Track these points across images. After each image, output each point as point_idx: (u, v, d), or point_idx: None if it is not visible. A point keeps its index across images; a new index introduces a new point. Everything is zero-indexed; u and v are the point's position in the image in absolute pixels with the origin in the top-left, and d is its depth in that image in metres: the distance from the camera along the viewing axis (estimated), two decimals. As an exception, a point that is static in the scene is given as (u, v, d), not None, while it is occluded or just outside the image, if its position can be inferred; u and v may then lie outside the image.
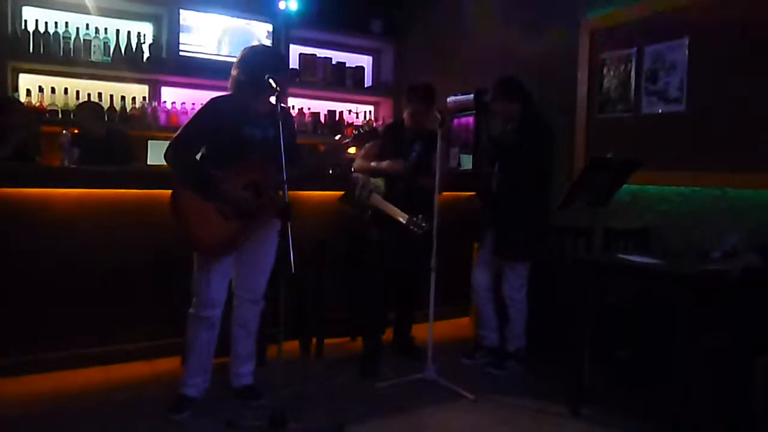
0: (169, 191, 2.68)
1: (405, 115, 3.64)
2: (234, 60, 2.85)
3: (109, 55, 4.84)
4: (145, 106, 5.04)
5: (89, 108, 4.42)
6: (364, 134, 3.01)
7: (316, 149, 5.76)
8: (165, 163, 2.71)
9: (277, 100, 2.69)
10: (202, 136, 2.73)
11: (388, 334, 3.80)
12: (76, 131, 4.16)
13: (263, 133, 2.76)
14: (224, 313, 2.84)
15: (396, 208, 3.38)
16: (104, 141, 4.15)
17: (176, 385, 2.82)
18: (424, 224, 3.23)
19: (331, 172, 4.09)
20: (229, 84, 2.83)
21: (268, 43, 5.32)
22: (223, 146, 2.71)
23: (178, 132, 2.72)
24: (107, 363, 3.36)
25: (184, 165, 2.69)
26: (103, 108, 4.70)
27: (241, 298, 2.90)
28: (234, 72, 2.79)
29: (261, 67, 2.72)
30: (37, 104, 4.64)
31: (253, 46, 2.90)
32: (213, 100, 2.79)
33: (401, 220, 3.31)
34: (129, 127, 4.88)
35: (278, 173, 2.51)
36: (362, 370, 3.41)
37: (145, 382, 3.21)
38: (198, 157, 2.77)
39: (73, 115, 4.56)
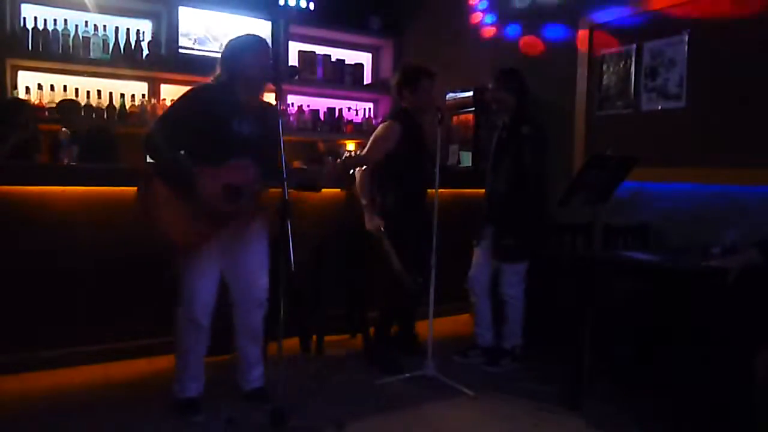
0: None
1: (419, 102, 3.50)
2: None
3: (108, 53, 4.84)
4: (145, 103, 5.03)
5: (70, 106, 4.41)
6: (353, 159, 2.95)
7: (316, 147, 5.78)
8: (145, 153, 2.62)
9: (262, 96, 2.58)
10: (182, 126, 2.56)
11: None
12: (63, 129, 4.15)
13: (251, 130, 2.64)
14: (218, 312, 2.77)
15: (395, 256, 3.36)
16: (85, 138, 4.12)
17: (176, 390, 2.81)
18: (419, 280, 3.30)
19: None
20: (212, 77, 2.72)
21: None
22: (207, 141, 2.56)
23: (155, 120, 2.63)
24: (107, 360, 3.37)
25: (160, 154, 2.56)
26: (81, 106, 4.69)
27: (243, 305, 2.81)
28: (218, 65, 2.70)
29: (242, 59, 2.62)
30: (36, 102, 4.63)
31: (236, 39, 2.72)
32: (194, 88, 2.64)
33: (395, 267, 3.34)
34: (127, 125, 4.88)
35: (268, 173, 2.46)
36: (392, 369, 3.34)
37: (146, 380, 3.21)
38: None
39: (57, 112, 4.54)
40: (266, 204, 2.60)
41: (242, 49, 2.67)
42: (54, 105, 4.66)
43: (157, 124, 2.61)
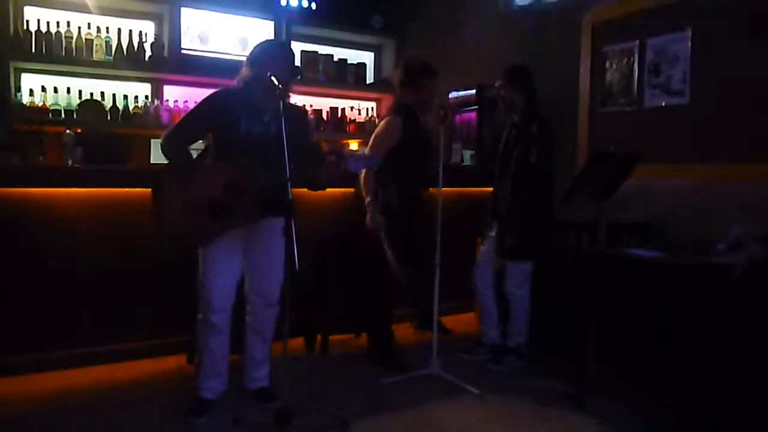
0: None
1: (423, 100, 3.48)
2: (237, 57, 2.82)
3: (111, 54, 4.84)
4: (148, 104, 5.03)
5: (94, 107, 4.41)
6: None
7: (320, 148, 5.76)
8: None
9: (279, 97, 2.57)
10: (200, 126, 2.70)
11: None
12: (79, 130, 4.15)
13: (263, 129, 2.69)
14: (235, 313, 2.81)
15: (392, 255, 3.38)
16: (106, 140, 4.13)
17: (185, 386, 2.83)
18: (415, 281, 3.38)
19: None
20: (237, 79, 2.77)
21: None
22: (222, 140, 2.69)
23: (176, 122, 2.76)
24: (111, 361, 3.38)
25: (173, 151, 2.66)
26: (105, 107, 4.70)
27: (254, 303, 2.86)
28: (243, 67, 2.75)
29: (265, 62, 2.67)
30: (40, 104, 4.64)
31: (262, 42, 2.83)
32: (217, 90, 2.75)
33: (392, 266, 3.35)
34: (131, 126, 4.89)
35: (275, 172, 2.46)
36: (397, 367, 3.35)
37: (150, 380, 3.22)
38: (202, 148, 2.76)
39: (77, 114, 4.53)
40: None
41: (265, 51, 2.74)
42: (58, 107, 4.67)
43: (174, 126, 2.73)
